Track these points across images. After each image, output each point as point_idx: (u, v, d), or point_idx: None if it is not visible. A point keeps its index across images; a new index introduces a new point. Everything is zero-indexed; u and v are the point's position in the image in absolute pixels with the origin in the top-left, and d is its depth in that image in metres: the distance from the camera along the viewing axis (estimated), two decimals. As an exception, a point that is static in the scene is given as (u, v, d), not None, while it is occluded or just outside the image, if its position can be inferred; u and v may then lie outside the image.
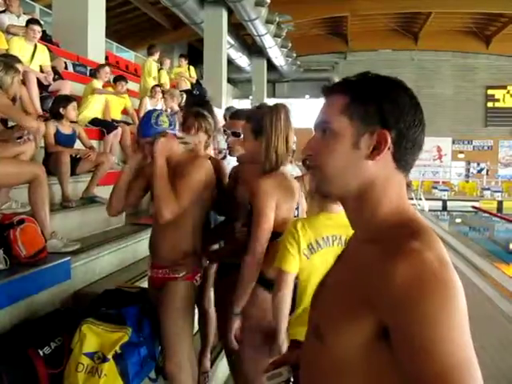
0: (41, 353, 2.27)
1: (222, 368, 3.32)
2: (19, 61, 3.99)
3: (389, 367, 0.78)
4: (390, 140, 0.85)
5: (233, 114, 2.61)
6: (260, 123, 2.10)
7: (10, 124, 3.66)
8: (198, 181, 2.27)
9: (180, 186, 2.22)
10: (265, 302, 2.09)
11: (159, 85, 7.18)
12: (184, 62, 8.63)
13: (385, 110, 0.85)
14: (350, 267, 0.88)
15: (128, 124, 6.00)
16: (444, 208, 17.65)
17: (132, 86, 7.74)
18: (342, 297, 0.85)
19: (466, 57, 22.43)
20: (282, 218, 2.09)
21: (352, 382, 0.83)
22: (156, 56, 8.10)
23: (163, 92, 6.94)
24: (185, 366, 2.34)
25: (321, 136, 0.90)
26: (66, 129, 4.15)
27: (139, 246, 3.80)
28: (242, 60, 18.79)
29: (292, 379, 1.13)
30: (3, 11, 5.97)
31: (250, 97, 20.64)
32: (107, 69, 5.96)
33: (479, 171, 22.49)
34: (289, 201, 2.14)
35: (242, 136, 2.40)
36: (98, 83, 5.76)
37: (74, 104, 4.21)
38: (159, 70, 8.30)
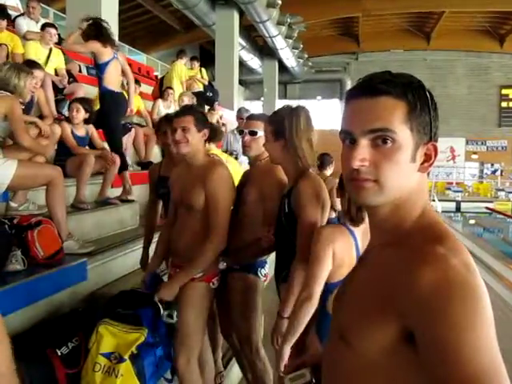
0: (59, 352, 2.30)
1: (237, 368, 3.33)
2: (40, 66, 4.03)
3: (413, 371, 0.78)
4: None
5: (251, 115, 2.65)
6: (280, 125, 2.13)
7: (27, 125, 3.70)
8: (228, 200, 2.38)
9: (217, 212, 2.32)
10: None
11: (171, 87, 7.21)
12: (196, 65, 8.66)
13: (433, 121, 0.85)
14: (372, 271, 0.88)
15: (141, 126, 6.03)
16: (457, 209, 17.49)
17: (145, 88, 7.80)
18: (366, 301, 0.85)
19: (479, 56, 22.21)
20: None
21: None
22: (184, 60, 8.14)
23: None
24: (194, 365, 2.36)
25: (374, 145, 0.84)
26: (80, 131, 4.19)
27: (154, 247, 3.81)
28: (254, 61, 18.82)
29: (314, 381, 1.13)
30: (22, 15, 6.07)
31: (262, 98, 20.65)
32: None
33: (493, 172, 22.25)
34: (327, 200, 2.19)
35: (258, 135, 2.43)
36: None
37: (72, 106, 4.21)
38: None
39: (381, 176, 0.83)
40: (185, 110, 2.49)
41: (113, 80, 4.33)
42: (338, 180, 5.25)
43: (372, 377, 0.83)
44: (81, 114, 4.12)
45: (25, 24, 5.73)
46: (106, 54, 4.23)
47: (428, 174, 0.91)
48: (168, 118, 3.02)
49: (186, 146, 2.34)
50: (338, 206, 5.09)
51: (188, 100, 6.38)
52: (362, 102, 0.85)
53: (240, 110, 6.06)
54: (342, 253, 1.98)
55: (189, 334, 2.36)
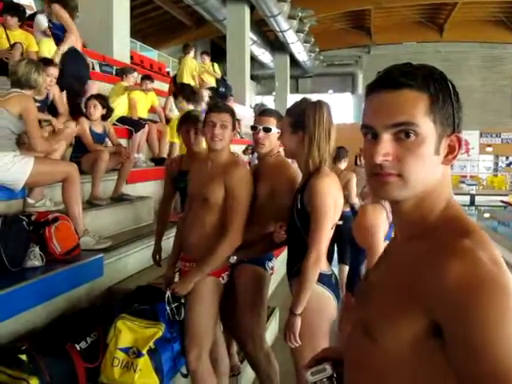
0: (78, 347, 2.32)
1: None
2: (55, 64, 4.06)
3: (439, 366, 0.78)
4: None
5: (264, 111, 2.63)
6: (300, 117, 2.11)
7: (43, 125, 3.74)
8: (247, 199, 2.37)
9: (236, 210, 2.33)
10: (321, 296, 2.13)
11: (183, 82, 7.22)
12: (207, 59, 8.63)
13: (456, 112, 0.84)
14: (397, 265, 0.87)
15: (155, 122, 6.05)
16: (472, 203, 17.30)
17: (158, 85, 7.81)
18: (391, 295, 0.84)
19: (493, 47, 21.91)
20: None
21: (402, 380, 0.82)
22: (192, 53, 8.12)
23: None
24: (205, 361, 2.37)
25: (397, 139, 0.83)
26: (97, 127, 4.22)
27: (169, 242, 3.83)
28: (265, 56, 18.77)
29: (335, 375, 1.12)
30: (42, 12, 6.14)
31: (273, 93, 20.60)
32: (135, 74, 6.02)
33: (508, 165, 21.96)
34: (341, 197, 2.18)
35: (272, 132, 2.42)
36: (125, 84, 5.81)
37: (89, 103, 4.24)
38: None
39: (404, 170, 0.82)
40: (225, 107, 2.49)
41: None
42: (353, 174, 5.25)
43: (397, 371, 0.83)
44: (98, 111, 4.15)
45: (44, 22, 5.79)
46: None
47: (452, 166, 0.90)
48: (193, 119, 3.07)
49: (221, 142, 2.35)
50: (355, 200, 5.09)
51: (207, 95, 6.38)
52: (383, 95, 0.84)
53: (257, 105, 6.01)
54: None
55: (198, 329, 2.36)
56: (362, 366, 0.90)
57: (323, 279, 2.13)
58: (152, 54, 15.07)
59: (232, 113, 2.43)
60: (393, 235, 1.04)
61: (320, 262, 2.06)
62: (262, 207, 2.44)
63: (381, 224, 2.63)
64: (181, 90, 4.18)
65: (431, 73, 0.84)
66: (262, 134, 2.45)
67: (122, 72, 6.02)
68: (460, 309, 0.72)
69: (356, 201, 5.10)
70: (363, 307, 0.95)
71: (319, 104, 2.13)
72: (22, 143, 3.20)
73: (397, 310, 0.81)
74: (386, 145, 0.83)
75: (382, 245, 2.45)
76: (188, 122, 3.06)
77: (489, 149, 22.43)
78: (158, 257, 3.10)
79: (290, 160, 2.48)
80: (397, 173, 0.83)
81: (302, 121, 2.10)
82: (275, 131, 2.41)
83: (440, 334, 0.76)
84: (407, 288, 0.80)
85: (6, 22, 4.95)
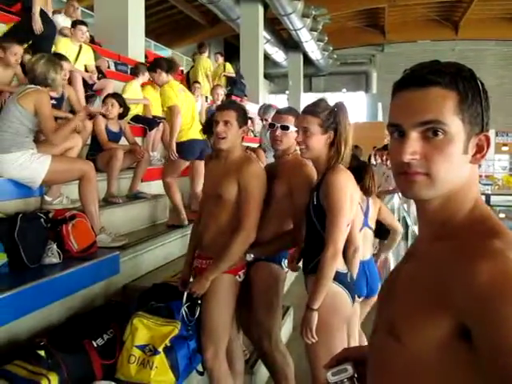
0: (94, 344, 2.34)
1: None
2: (67, 59, 4.10)
3: (466, 367, 0.76)
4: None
5: (281, 109, 2.63)
6: (330, 118, 2.13)
7: (59, 121, 3.77)
8: (261, 195, 2.37)
9: (249, 206, 2.33)
10: (337, 294, 2.13)
11: (198, 81, 7.24)
12: (220, 59, 8.64)
13: (485, 111, 0.83)
14: (423, 265, 0.86)
15: (169, 120, 6.06)
16: (487, 202, 17.08)
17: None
18: (417, 295, 0.83)
19: (509, 45, 21.60)
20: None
21: (427, 382, 0.81)
22: (207, 53, 8.14)
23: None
24: (222, 359, 2.38)
25: (425, 137, 0.82)
26: (114, 126, 4.25)
27: (184, 240, 3.85)
28: (278, 55, 18.73)
29: (356, 375, 1.11)
30: (59, 12, 6.25)
31: (287, 92, 20.56)
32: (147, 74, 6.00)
33: (525, 164, 21.68)
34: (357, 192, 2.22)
35: (290, 130, 2.42)
36: (137, 82, 5.82)
37: (106, 101, 4.27)
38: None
39: (432, 169, 0.81)
40: (228, 104, 2.50)
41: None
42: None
43: (422, 373, 0.81)
44: (115, 109, 4.18)
45: (62, 21, 5.89)
46: None
47: (479, 165, 0.88)
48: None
49: (225, 141, 2.35)
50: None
51: (223, 93, 6.38)
52: (410, 93, 0.83)
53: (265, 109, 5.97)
54: None
55: (215, 327, 2.37)
56: (386, 367, 0.89)
57: (339, 277, 2.13)
58: (166, 53, 15.12)
59: (238, 109, 2.41)
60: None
61: (337, 257, 2.06)
62: (279, 206, 2.44)
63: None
64: (156, 65, 4.16)
65: (460, 70, 0.83)
66: (279, 131, 2.44)
67: (137, 70, 6.03)
68: (491, 311, 0.70)
69: None
70: (387, 307, 0.94)
71: (343, 105, 2.20)
72: (40, 141, 3.24)
73: (422, 311, 0.80)
74: (414, 143, 0.82)
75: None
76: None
77: (504, 148, 22.13)
78: None
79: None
80: (424, 172, 0.82)
81: (333, 121, 2.13)
82: (293, 129, 2.40)
83: (468, 336, 0.74)
84: (434, 289, 0.79)
85: None
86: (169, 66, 4.28)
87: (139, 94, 5.72)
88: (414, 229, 4.08)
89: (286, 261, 2.56)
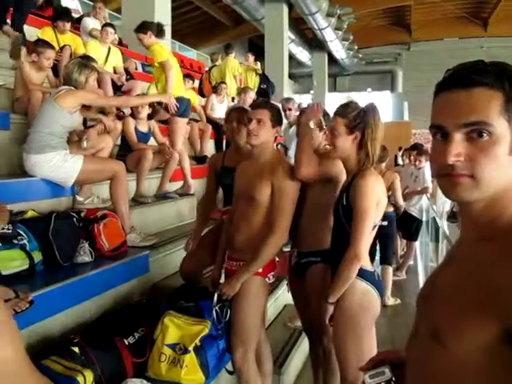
0: (126, 342, 2.36)
1: (296, 362, 3.34)
2: (94, 60, 4.17)
3: None
4: None
5: (259, 103, 2.63)
6: (357, 119, 2.15)
7: (89, 123, 3.85)
8: (294, 197, 2.37)
9: (283, 208, 2.34)
10: (365, 292, 2.15)
11: (224, 82, 7.27)
12: (251, 58, 8.61)
13: None
14: (467, 268, 0.84)
15: (196, 121, 6.11)
16: None
17: (197, 83, 7.90)
18: (460, 299, 0.81)
19: (541, 41, 21.04)
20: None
21: None
22: (234, 54, 8.18)
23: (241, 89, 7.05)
24: (251, 359, 2.38)
25: (469, 138, 0.81)
26: (143, 127, 4.31)
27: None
28: (303, 55, 18.68)
29: (393, 379, 1.10)
30: (88, 15, 6.39)
31: (311, 91, 20.48)
32: None
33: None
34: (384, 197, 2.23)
35: (266, 124, 2.38)
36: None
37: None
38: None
39: (477, 171, 0.80)
40: (263, 104, 2.51)
41: None
42: (396, 174, 5.18)
43: (466, 377, 0.80)
44: (145, 110, 4.25)
45: (91, 24, 6.01)
46: None
47: None
48: (236, 109, 3.04)
49: (257, 138, 2.35)
50: (400, 201, 5.01)
51: (253, 96, 6.39)
52: (454, 94, 0.82)
53: (287, 99, 5.96)
54: None
55: (244, 328, 2.38)
56: (428, 371, 0.88)
57: (367, 276, 2.16)
58: (191, 54, 15.24)
59: (272, 109, 2.41)
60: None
61: (359, 259, 2.08)
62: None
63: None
64: (147, 27, 4.26)
65: (505, 70, 0.82)
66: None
67: None
68: None
69: (401, 201, 5.02)
70: (428, 310, 0.92)
71: (374, 106, 2.20)
72: (72, 141, 3.31)
73: (468, 315, 0.78)
74: (458, 145, 0.80)
75: None
76: (232, 114, 2.98)
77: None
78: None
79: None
80: (469, 173, 0.80)
81: (361, 122, 2.14)
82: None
83: None
84: (479, 293, 0.77)
85: (59, 27, 5.15)
86: (158, 29, 4.39)
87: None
88: (445, 230, 4.02)
89: None
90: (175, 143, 4.46)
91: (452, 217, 7.23)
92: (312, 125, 2.38)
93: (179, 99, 4.39)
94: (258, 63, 8.78)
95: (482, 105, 0.79)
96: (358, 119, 2.15)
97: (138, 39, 4.47)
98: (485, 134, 0.79)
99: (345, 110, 2.20)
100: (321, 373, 2.72)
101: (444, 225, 6.66)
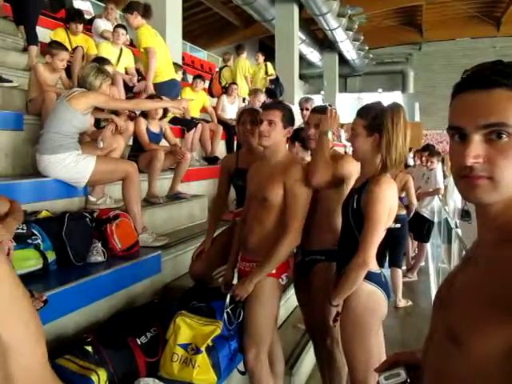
0: (138, 341, 2.37)
1: (307, 363, 3.33)
2: (110, 63, 4.21)
3: None
4: None
5: (269, 104, 2.61)
6: (377, 120, 2.09)
7: (103, 124, 3.88)
8: (307, 198, 2.37)
9: (296, 209, 2.33)
10: (372, 293, 2.14)
11: (235, 83, 7.28)
12: (261, 58, 8.55)
13: None
14: (485, 270, 0.83)
15: (207, 122, 6.13)
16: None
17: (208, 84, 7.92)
18: (479, 301, 0.80)
19: (555, 41, 20.82)
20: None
21: None
22: (245, 54, 8.18)
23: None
24: (263, 360, 2.38)
25: (488, 140, 0.80)
26: (154, 127, 4.33)
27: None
28: (313, 55, 18.65)
29: (409, 380, 1.09)
30: (99, 17, 6.44)
31: (322, 92, 20.43)
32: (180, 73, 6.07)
33: None
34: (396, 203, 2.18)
35: (277, 124, 2.37)
36: None
37: None
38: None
39: (496, 173, 0.79)
40: (274, 104, 2.51)
41: None
42: (409, 175, 5.15)
43: (484, 380, 0.79)
44: (161, 110, 4.27)
45: (102, 25, 6.06)
46: None
47: None
48: (249, 110, 3.03)
49: (269, 139, 2.35)
50: (414, 201, 4.98)
51: (263, 99, 6.39)
52: (473, 95, 0.81)
53: (307, 99, 5.94)
54: None
55: (258, 329, 2.38)
56: (445, 373, 0.87)
57: (374, 278, 2.15)
58: (201, 55, 15.29)
59: (283, 109, 2.40)
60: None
61: (367, 266, 2.07)
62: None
63: None
64: (133, 7, 4.32)
65: None
66: (312, 130, 2.48)
67: None
68: None
69: (415, 202, 4.99)
70: (445, 311, 0.92)
71: (397, 106, 2.10)
72: (84, 142, 3.34)
73: (486, 317, 0.78)
74: (477, 146, 0.80)
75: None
76: (244, 115, 2.95)
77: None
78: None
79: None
80: (488, 175, 0.79)
81: (380, 123, 2.07)
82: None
83: None
84: (499, 294, 0.76)
85: (71, 28, 5.20)
86: (145, 10, 4.44)
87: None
88: (458, 231, 3.99)
89: None
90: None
91: (464, 215, 7.19)
92: (331, 135, 2.36)
93: (170, 82, 4.41)
94: (269, 65, 8.75)
95: (501, 106, 0.78)
96: (377, 120, 2.08)
97: (125, 20, 4.54)
98: (504, 136, 0.78)
99: (366, 110, 2.16)
100: (327, 372, 2.72)
101: (456, 223, 6.63)
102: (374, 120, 2.10)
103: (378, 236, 2.07)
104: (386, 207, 2.06)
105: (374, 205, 2.04)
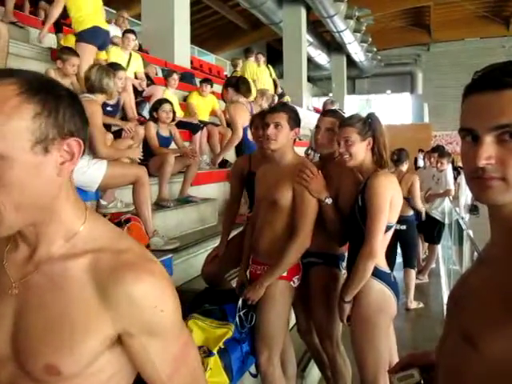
0: (151, 344, 2.38)
1: (317, 370, 3.31)
2: (122, 68, 4.24)
3: None
4: None
5: (276, 107, 2.58)
6: (366, 125, 2.27)
7: (114, 129, 3.91)
8: (316, 200, 2.35)
9: (305, 212, 2.32)
10: (381, 292, 2.19)
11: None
12: (261, 60, 8.46)
13: None
14: (501, 271, 0.83)
15: (216, 125, 6.14)
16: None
17: (217, 88, 7.95)
18: (494, 303, 0.80)
19: None
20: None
21: None
22: (253, 58, 8.21)
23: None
24: (276, 364, 2.38)
25: (500, 141, 0.80)
26: (164, 131, 4.36)
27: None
28: (321, 57, 18.65)
29: (422, 382, 1.09)
30: (109, 22, 6.50)
31: (330, 94, 20.40)
32: (175, 76, 6.00)
33: None
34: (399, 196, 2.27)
35: (283, 127, 2.38)
36: (168, 91, 5.83)
37: (165, 107, 4.37)
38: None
39: (509, 173, 0.79)
40: (280, 107, 2.51)
41: None
42: (416, 176, 5.13)
43: (501, 381, 0.79)
44: (171, 114, 4.30)
45: (112, 31, 6.10)
46: None
47: None
48: (261, 114, 3.00)
49: (276, 142, 2.35)
50: (419, 203, 4.96)
51: (269, 100, 6.38)
52: (484, 96, 0.81)
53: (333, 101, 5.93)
54: None
55: (270, 332, 2.37)
56: (460, 373, 0.87)
57: (383, 277, 2.21)
58: (209, 59, 15.35)
59: (289, 112, 2.40)
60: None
61: (374, 256, 2.14)
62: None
63: None
64: None
65: None
66: (323, 133, 2.50)
67: (168, 75, 6.07)
68: None
69: (420, 204, 4.96)
70: (460, 312, 0.92)
71: (375, 114, 2.36)
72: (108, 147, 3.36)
73: (501, 318, 0.78)
74: (489, 147, 0.80)
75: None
76: (256, 119, 2.94)
77: None
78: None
79: None
80: (500, 176, 0.79)
81: (369, 127, 2.27)
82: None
83: None
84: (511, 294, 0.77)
85: None
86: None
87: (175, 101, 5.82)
88: (469, 232, 3.97)
89: (344, 263, 2.57)
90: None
91: (473, 210, 7.18)
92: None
93: (95, 29, 4.38)
94: (271, 67, 8.77)
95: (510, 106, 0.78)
96: (367, 126, 2.27)
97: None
98: None
99: (352, 119, 2.31)
100: (329, 373, 2.73)
101: (466, 218, 6.58)
102: (363, 125, 2.27)
103: (380, 226, 2.15)
104: (387, 198, 2.16)
105: (374, 196, 2.15)
